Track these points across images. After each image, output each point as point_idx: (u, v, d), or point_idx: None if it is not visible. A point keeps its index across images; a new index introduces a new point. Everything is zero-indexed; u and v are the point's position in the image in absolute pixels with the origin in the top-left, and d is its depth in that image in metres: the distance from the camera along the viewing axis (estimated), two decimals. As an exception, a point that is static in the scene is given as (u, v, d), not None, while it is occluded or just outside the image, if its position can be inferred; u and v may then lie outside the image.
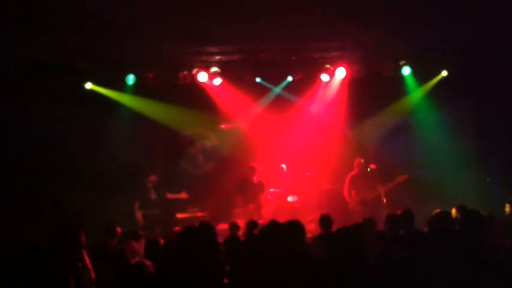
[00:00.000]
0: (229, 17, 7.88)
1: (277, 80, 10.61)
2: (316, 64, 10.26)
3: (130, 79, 10.19)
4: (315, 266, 3.81)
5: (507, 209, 7.68)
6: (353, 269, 3.51)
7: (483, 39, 8.71)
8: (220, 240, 6.28)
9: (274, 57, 10.00)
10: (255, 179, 10.10)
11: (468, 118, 10.09)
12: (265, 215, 9.84)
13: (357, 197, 9.92)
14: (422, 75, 10.28)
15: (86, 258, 5.22)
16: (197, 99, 10.42)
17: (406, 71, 10.13)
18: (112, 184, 9.53)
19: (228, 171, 10.53)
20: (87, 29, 7.82)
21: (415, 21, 8.01)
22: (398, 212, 5.96)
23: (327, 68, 10.25)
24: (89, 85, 10.09)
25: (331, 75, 10.33)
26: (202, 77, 10.19)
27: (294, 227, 4.53)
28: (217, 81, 10.34)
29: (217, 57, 10.06)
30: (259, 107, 10.83)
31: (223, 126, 11.03)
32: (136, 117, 10.33)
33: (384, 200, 9.55)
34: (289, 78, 10.48)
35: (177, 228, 7.75)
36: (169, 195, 10.10)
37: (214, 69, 10.23)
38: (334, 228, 6.46)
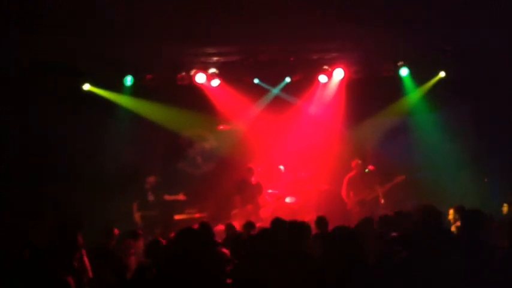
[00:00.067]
0: (228, 18, 7.89)
1: (275, 81, 10.62)
2: (314, 65, 10.27)
3: (129, 80, 10.18)
4: (315, 266, 3.81)
5: (505, 208, 7.72)
6: (353, 269, 3.51)
7: (482, 40, 8.73)
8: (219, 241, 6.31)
9: (272, 59, 10.00)
10: (253, 180, 10.10)
11: (466, 119, 10.09)
12: (263, 216, 9.83)
13: (355, 197, 9.95)
14: (420, 76, 10.31)
15: (85, 258, 5.24)
16: (195, 101, 10.41)
17: (404, 72, 10.16)
18: (111, 185, 9.53)
19: (227, 173, 10.52)
20: (86, 29, 7.81)
21: (413, 21, 8.01)
22: (391, 214, 5.98)
23: (325, 69, 10.26)
24: (86, 86, 10.08)
25: (329, 76, 10.34)
26: (200, 78, 10.19)
27: (300, 228, 4.55)
28: (216, 82, 10.34)
29: (215, 59, 10.07)
30: (257, 108, 10.83)
31: (221, 127, 11.03)
32: (135, 118, 10.32)
33: (382, 201, 9.57)
34: (287, 80, 10.49)
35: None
36: (167, 197, 10.09)
37: (212, 70, 10.23)
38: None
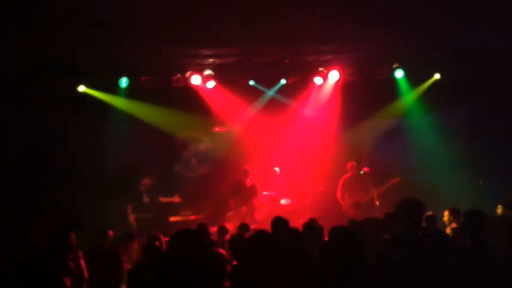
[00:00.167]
0: (223, 20, 7.89)
1: (270, 83, 10.62)
2: (310, 67, 10.28)
3: (124, 82, 10.16)
4: (315, 266, 3.81)
5: (499, 210, 7.75)
6: (353, 269, 3.51)
7: (478, 42, 8.78)
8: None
9: (267, 60, 10.00)
10: (248, 182, 10.10)
11: (462, 120, 10.12)
12: (259, 218, 9.84)
13: (350, 199, 9.96)
14: (415, 78, 10.34)
15: (82, 259, 5.24)
16: (190, 102, 10.40)
17: (399, 74, 10.19)
18: (106, 186, 9.50)
19: (222, 175, 10.51)
20: (83, 30, 7.79)
21: (411, 22, 8.03)
22: (381, 216, 5.97)
23: (321, 71, 10.27)
24: (81, 88, 10.05)
25: (325, 78, 10.36)
26: (195, 79, 10.18)
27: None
28: (211, 84, 10.33)
29: (211, 60, 10.05)
30: (252, 110, 10.83)
31: (216, 129, 11.02)
32: (130, 120, 10.30)
33: (377, 203, 9.58)
34: (283, 81, 10.50)
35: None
36: (162, 199, 10.05)
37: (207, 72, 10.22)
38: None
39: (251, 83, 10.50)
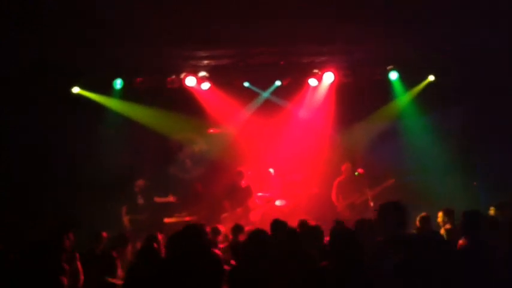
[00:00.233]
0: (218, 22, 7.89)
1: (265, 84, 10.62)
2: (305, 69, 10.29)
3: (118, 83, 10.13)
4: (315, 266, 3.81)
5: (491, 212, 7.77)
6: (353, 269, 3.50)
7: (474, 43, 8.81)
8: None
9: (262, 62, 10.01)
10: (243, 183, 10.09)
11: (457, 121, 10.14)
12: (253, 219, 9.83)
13: (344, 201, 9.97)
14: (409, 79, 10.37)
15: (78, 261, 5.25)
16: (185, 104, 10.39)
17: (393, 75, 10.21)
18: (102, 188, 9.48)
19: (216, 176, 10.50)
20: (81, 31, 7.79)
21: (409, 22, 8.04)
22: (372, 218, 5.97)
23: (315, 72, 10.29)
24: (76, 89, 10.02)
25: (319, 79, 10.37)
26: (190, 81, 10.17)
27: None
28: (206, 85, 10.32)
29: (206, 62, 10.05)
30: (247, 112, 10.83)
31: (211, 130, 11.01)
32: (124, 121, 10.27)
33: (372, 204, 9.58)
34: (278, 83, 10.50)
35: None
36: (157, 199, 10.03)
37: (202, 73, 10.22)
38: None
39: (246, 84, 10.50)
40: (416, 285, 3.67)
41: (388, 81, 10.34)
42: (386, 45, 9.16)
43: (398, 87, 10.45)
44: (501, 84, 9.39)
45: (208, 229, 7.44)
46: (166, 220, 9.86)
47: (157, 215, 9.89)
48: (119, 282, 5.32)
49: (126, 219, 9.63)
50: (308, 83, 10.47)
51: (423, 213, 7.13)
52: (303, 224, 5.97)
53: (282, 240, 4.43)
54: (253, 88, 10.62)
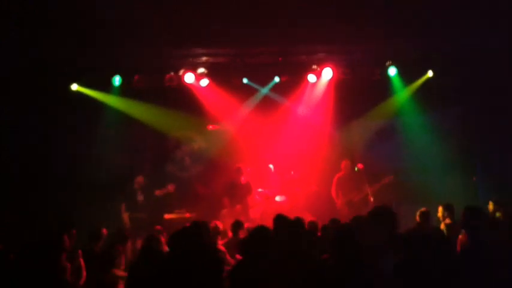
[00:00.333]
0: (217, 19, 7.89)
1: (264, 81, 10.59)
2: (303, 65, 10.27)
3: (117, 80, 10.12)
4: (315, 266, 3.81)
5: (490, 207, 7.81)
6: (353, 269, 3.50)
7: (473, 43, 8.82)
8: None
9: (261, 59, 10.00)
10: (242, 180, 10.09)
11: (455, 120, 10.13)
12: (253, 216, 9.83)
13: (343, 198, 9.98)
14: (408, 76, 10.34)
15: (81, 259, 5.27)
16: (184, 101, 10.37)
17: (392, 71, 10.19)
18: (100, 186, 9.48)
19: (216, 173, 10.49)
20: (81, 30, 7.78)
21: (406, 24, 8.05)
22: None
23: (314, 68, 10.27)
24: (74, 86, 10.01)
25: (318, 75, 10.35)
26: (189, 78, 10.15)
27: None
28: (204, 82, 10.30)
29: (204, 59, 10.04)
30: (246, 108, 10.81)
31: (210, 127, 11.00)
32: (123, 119, 10.26)
33: (372, 199, 9.59)
34: (276, 79, 10.49)
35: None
36: (158, 192, 10.00)
37: (201, 70, 10.20)
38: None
39: (244, 81, 10.48)
40: (416, 285, 3.68)
41: (387, 78, 10.31)
42: (386, 45, 9.16)
43: (397, 83, 10.42)
44: (501, 84, 9.36)
45: (212, 225, 7.49)
46: (167, 216, 9.86)
47: (157, 211, 9.87)
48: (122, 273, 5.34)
49: (125, 216, 9.61)
50: (307, 80, 10.44)
51: (423, 208, 7.16)
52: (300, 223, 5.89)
53: (283, 239, 4.41)
54: (252, 84, 10.58)
